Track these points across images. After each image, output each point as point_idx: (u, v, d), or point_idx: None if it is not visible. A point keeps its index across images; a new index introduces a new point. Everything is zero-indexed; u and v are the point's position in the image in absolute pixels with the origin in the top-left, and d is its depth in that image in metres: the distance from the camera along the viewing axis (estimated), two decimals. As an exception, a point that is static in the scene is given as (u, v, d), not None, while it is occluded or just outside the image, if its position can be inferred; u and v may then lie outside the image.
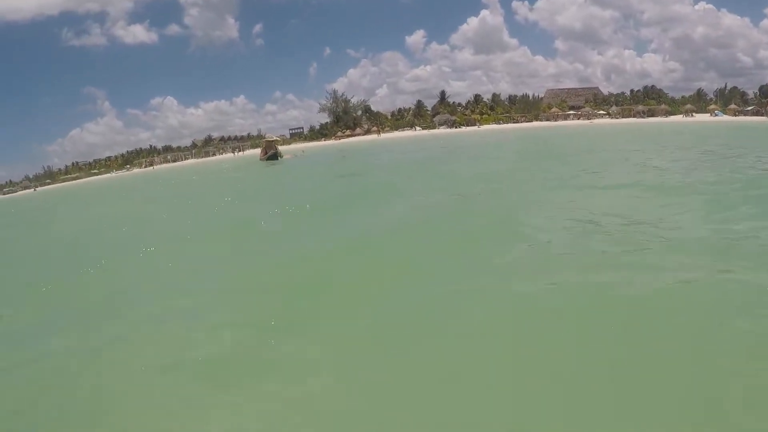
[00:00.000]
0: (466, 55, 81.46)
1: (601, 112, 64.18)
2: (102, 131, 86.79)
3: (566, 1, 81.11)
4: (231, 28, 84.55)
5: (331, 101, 71.25)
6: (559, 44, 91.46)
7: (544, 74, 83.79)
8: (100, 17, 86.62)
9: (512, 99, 70.70)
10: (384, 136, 62.53)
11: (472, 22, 77.16)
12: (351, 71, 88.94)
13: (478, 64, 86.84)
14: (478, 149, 27.73)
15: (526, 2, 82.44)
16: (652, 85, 70.27)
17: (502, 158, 19.53)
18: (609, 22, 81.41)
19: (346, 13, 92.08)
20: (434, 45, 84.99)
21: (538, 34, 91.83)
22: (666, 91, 69.75)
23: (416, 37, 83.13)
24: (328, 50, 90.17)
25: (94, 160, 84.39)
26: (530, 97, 70.17)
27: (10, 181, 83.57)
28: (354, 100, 72.28)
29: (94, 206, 23.33)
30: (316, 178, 20.59)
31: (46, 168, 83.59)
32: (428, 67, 80.00)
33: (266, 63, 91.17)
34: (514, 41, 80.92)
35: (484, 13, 76.68)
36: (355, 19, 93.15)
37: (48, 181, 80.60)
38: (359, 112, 71.87)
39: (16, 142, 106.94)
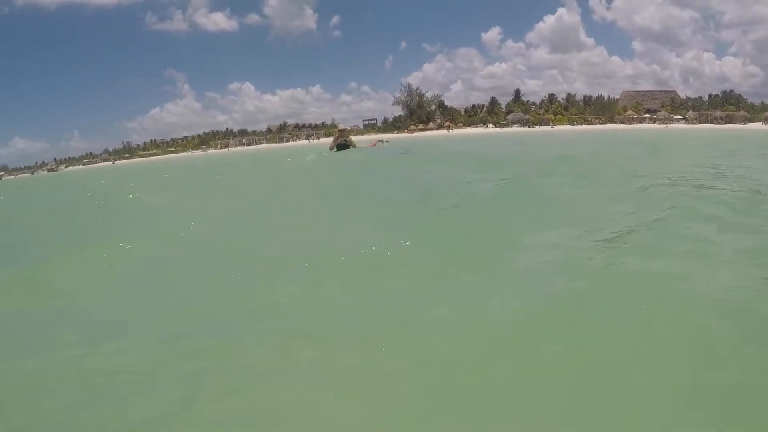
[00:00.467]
0: (541, 54, 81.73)
1: (678, 116, 63.69)
2: (181, 112, 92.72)
3: (644, 1, 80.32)
4: (309, 18, 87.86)
5: (405, 94, 73.70)
6: (636, 45, 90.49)
7: (621, 75, 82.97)
8: (182, 4, 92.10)
9: (587, 100, 70.87)
10: (454, 132, 64.00)
11: (549, 20, 77.57)
12: (426, 65, 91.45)
13: (553, 63, 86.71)
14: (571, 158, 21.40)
15: (604, 1, 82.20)
16: (731, 90, 69.05)
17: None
18: (688, 22, 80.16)
19: (422, 7, 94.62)
20: (510, 42, 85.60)
21: (615, 34, 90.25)
22: (745, 97, 68.40)
23: (492, 34, 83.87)
24: (404, 44, 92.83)
25: (172, 139, 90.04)
26: (605, 99, 70.23)
27: (90, 153, 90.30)
28: (428, 95, 74.39)
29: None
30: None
31: (125, 143, 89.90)
32: (503, 65, 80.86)
33: (343, 54, 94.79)
34: (590, 41, 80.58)
35: (560, 11, 76.95)
36: (431, 14, 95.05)
37: (127, 155, 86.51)
38: (433, 107, 73.69)
39: (98, 116, 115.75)
